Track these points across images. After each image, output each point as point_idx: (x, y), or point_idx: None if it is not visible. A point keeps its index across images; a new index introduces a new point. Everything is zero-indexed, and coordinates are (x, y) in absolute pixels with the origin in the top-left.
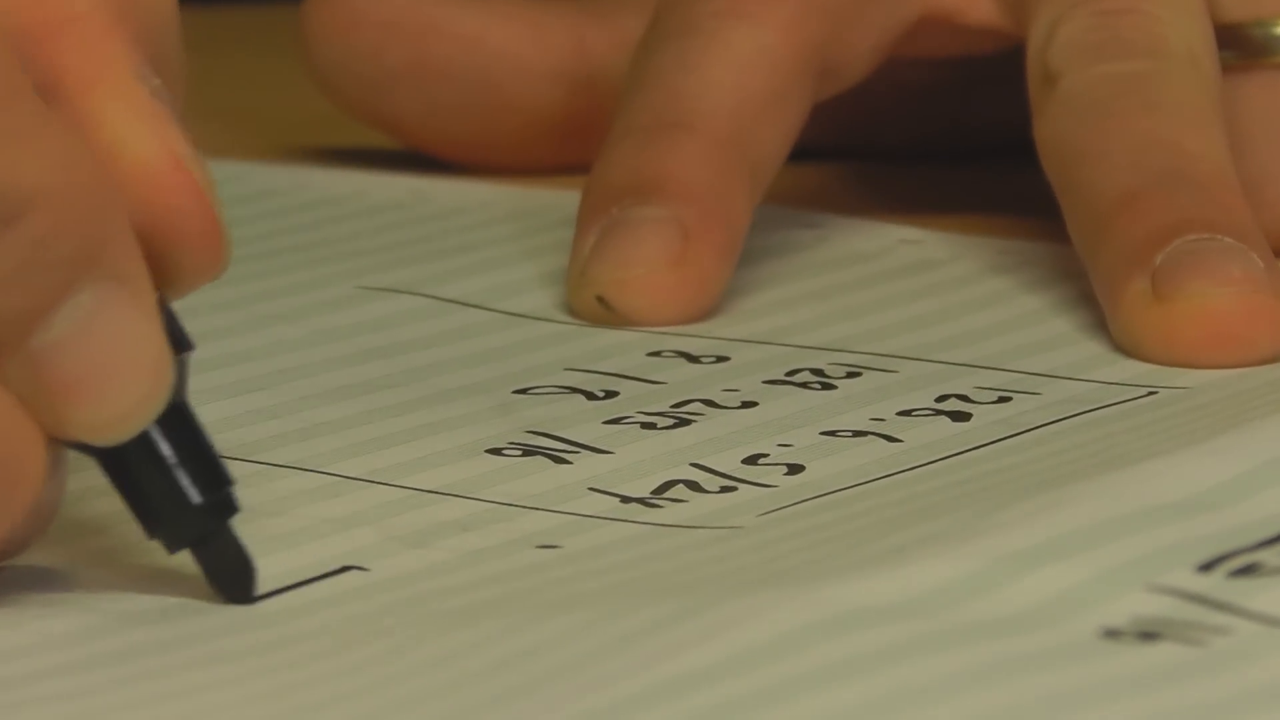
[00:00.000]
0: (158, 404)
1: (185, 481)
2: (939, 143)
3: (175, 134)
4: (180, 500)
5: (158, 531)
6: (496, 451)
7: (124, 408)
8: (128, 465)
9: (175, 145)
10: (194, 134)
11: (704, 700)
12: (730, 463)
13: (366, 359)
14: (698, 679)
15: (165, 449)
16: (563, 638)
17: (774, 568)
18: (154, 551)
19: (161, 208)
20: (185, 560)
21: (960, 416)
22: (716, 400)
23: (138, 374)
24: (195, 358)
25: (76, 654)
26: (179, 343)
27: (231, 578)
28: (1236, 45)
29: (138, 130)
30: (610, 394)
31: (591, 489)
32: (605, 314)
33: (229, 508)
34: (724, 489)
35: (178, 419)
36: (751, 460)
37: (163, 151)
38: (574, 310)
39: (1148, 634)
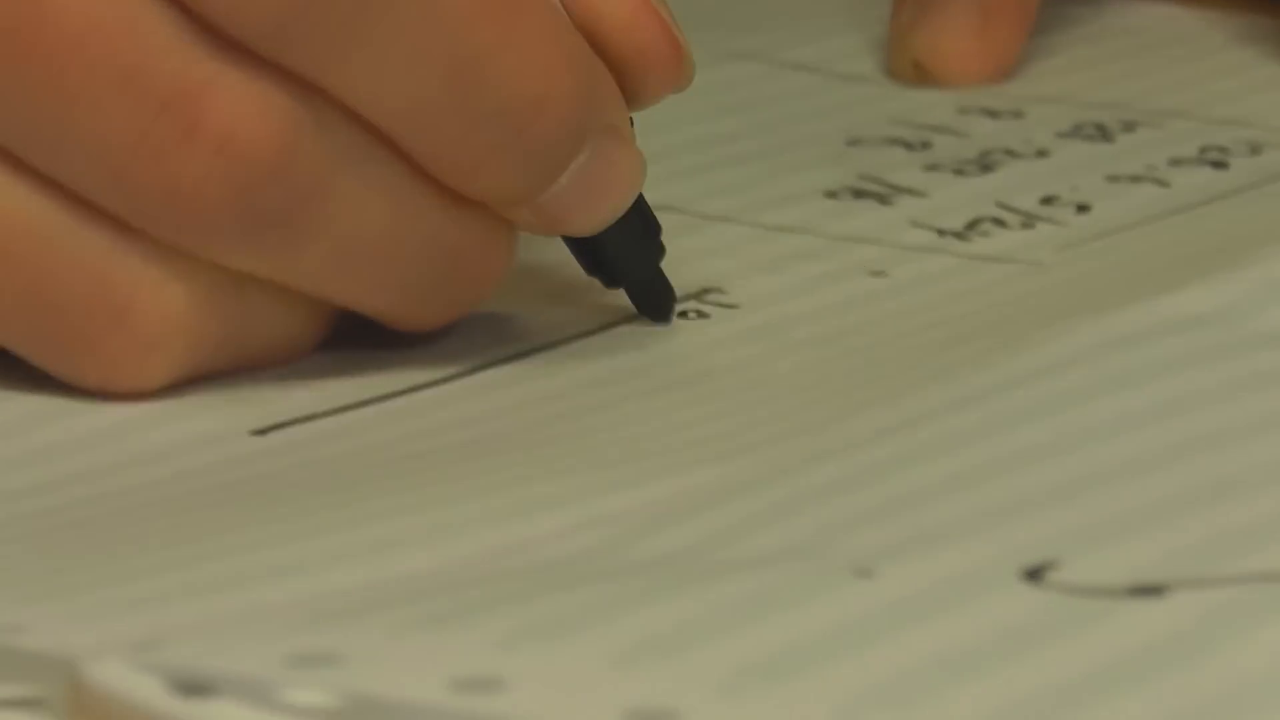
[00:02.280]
0: (628, 205)
1: (635, 232)
2: None
3: None
4: (629, 245)
5: (599, 272)
6: (832, 194)
7: (605, 219)
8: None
9: None
10: None
11: (1016, 400)
12: (1029, 202)
13: (723, 113)
14: (1009, 384)
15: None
16: (896, 367)
17: (1070, 304)
18: (593, 289)
19: (639, 50)
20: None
21: (1220, 165)
22: (1015, 149)
23: (622, 192)
24: None
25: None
26: None
27: (658, 305)
28: None
29: None
30: (926, 145)
31: (914, 224)
32: (920, 76)
33: (661, 251)
34: (1024, 225)
35: None
36: (1047, 201)
37: (632, 3)
38: (894, 73)
39: None
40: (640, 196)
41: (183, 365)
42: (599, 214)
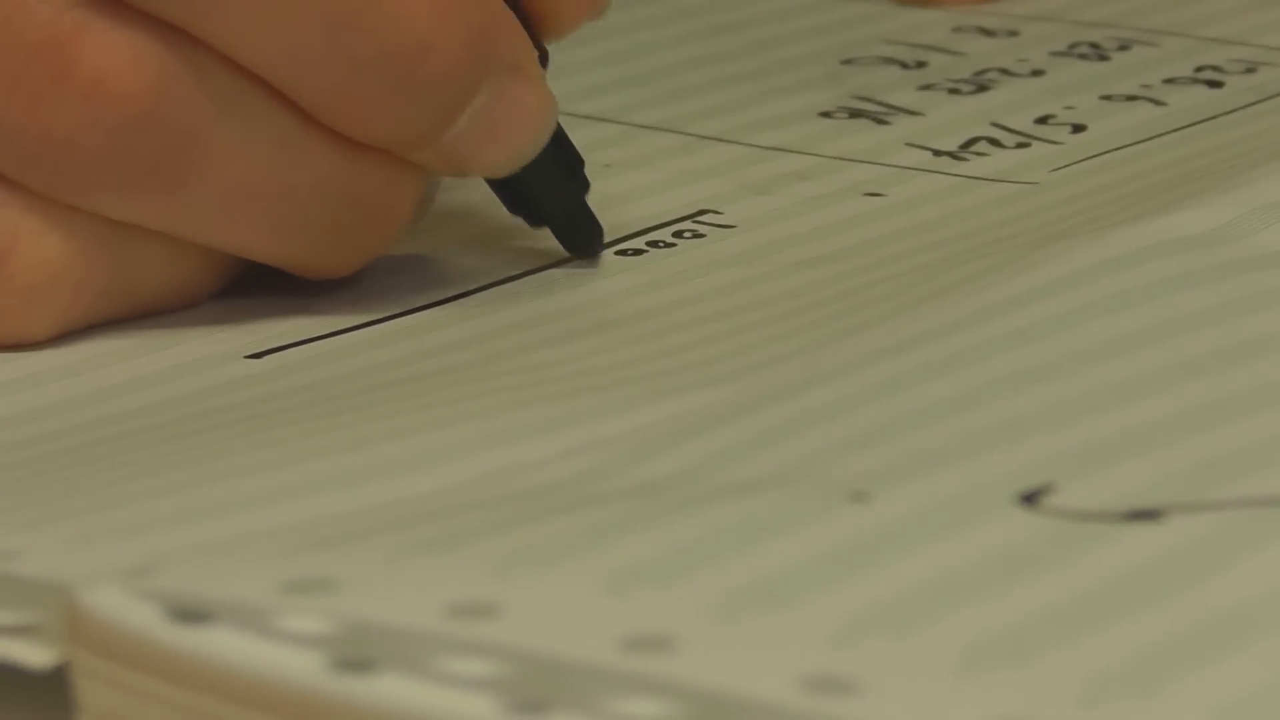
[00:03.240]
0: (541, 144)
1: (554, 168)
2: None
3: None
4: (548, 183)
5: (521, 210)
6: (827, 114)
7: (514, 159)
8: None
9: None
10: None
11: (1012, 322)
12: (1024, 122)
13: (716, 33)
14: (1004, 306)
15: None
16: (892, 288)
17: (1066, 225)
18: (516, 230)
19: None
20: (543, 234)
21: (1215, 84)
22: (1010, 69)
23: (530, 132)
24: (571, 37)
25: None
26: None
27: (584, 242)
28: None
29: None
30: (921, 64)
31: (909, 144)
32: None
33: (584, 186)
34: (1019, 145)
35: None
36: (1042, 120)
37: None
38: None
39: None
40: (560, 131)
41: (68, 315)
42: (506, 154)
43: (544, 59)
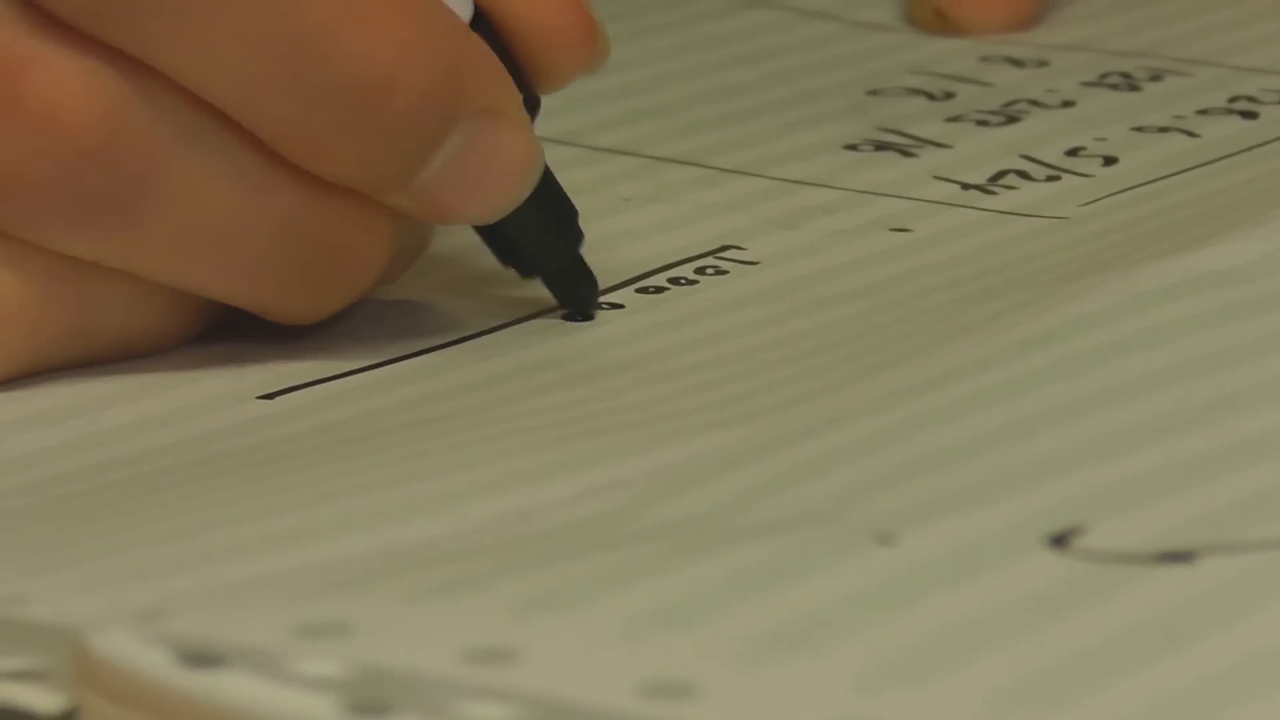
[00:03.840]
0: (525, 194)
1: (543, 220)
2: None
3: None
4: (538, 236)
5: (511, 261)
6: (852, 147)
7: (496, 208)
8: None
9: None
10: None
11: (1041, 359)
12: (1054, 154)
13: (738, 64)
14: (1034, 343)
15: (529, 203)
16: (919, 325)
17: (1097, 260)
18: (506, 279)
19: (545, 27)
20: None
21: (1249, 115)
22: (1040, 99)
23: (511, 180)
24: None
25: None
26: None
27: (578, 296)
28: None
29: None
30: (948, 95)
31: (936, 177)
32: (942, 24)
33: (578, 238)
34: (1049, 178)
35: None
36: (1072, 152)
37: None
38: (915, 21)
39: None
40: (552, 182)
41: (21, 356)
42: (487, 203)
43: (534, 107)
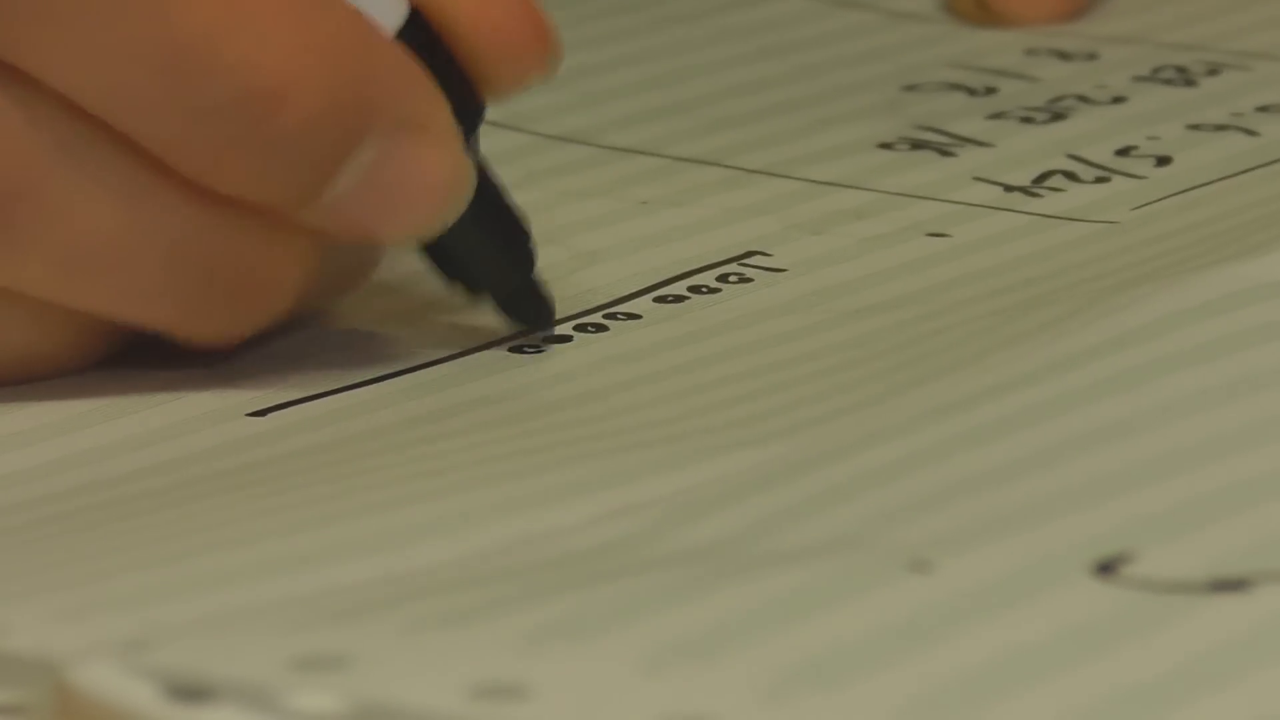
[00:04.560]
0: (452, 213)
1: (491, 241)
2: None
3: None
4: (485, 258)
5: (457, 282)
6: (886, 146)
7: (418, 227)
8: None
9: None
10: None
11: (1088, 375)
12: (1103, 154)
13: (765, 56)
14: (1080, 357)
15: (470, 222)
16: (964, 335)
17: (1148, 268)
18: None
19: (491, 31)
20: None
21: None
22: (1088, 95)
23: (434, 197)
24: (598, 58)
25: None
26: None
27: (530, 317)
28: None
29: None
30: (990, 90)
31: (976, 179)
32: (984, 14)
33: (531, 256)
34: (1098, 179)
35: (478, 185)
36: (1123, 152)
37: None
38: (955, 10)
39: None
40: (500, 198)
41: None
42: (404, 222)
43: (477, 115)
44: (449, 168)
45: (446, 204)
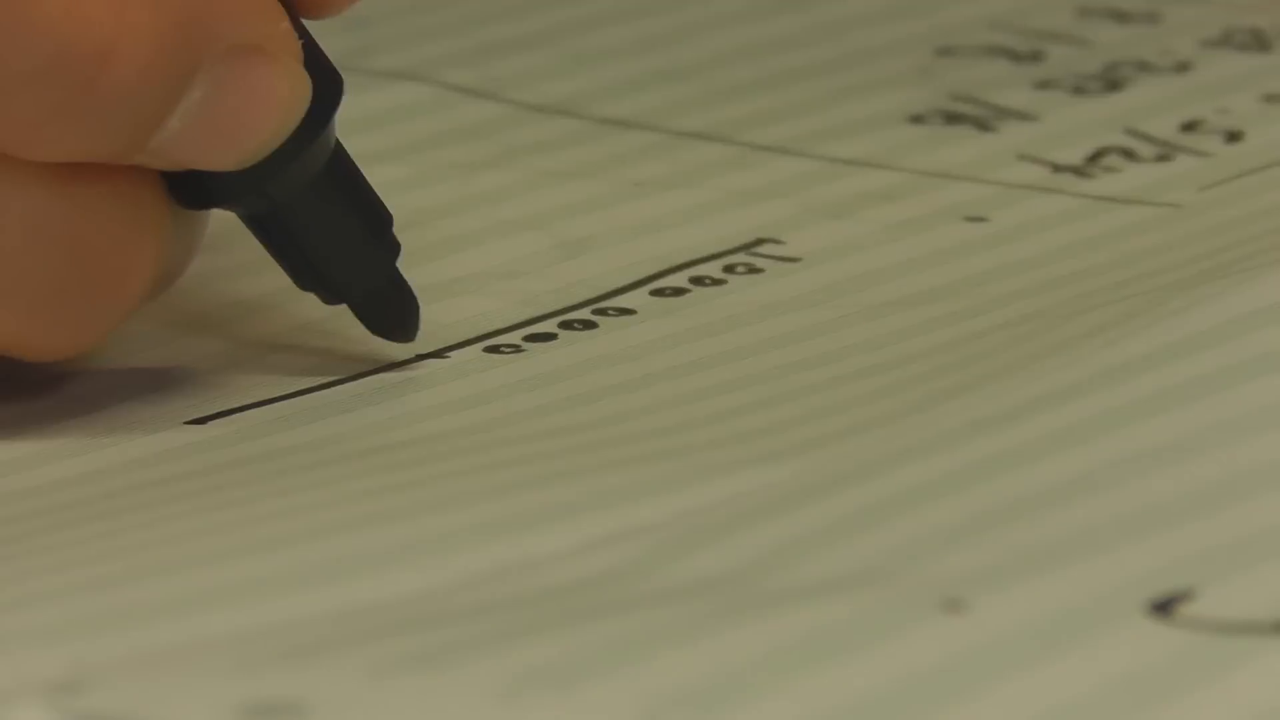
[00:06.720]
0: (283, 135)
1: (346, 231)
2: None
3: None
4: (344, 251)
5: (312, 284)
6: (918, 119)
7: (251, 152)
8: (285, 229)
9: None
10: None
11: (1145, 386)
12: (1166, 129)
13: (776, 12)
14: (1136, 366)
15: (325, 208)
16: (1004, 338)
17: (1216, 260)
18: (307, 311)
19: None
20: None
21: None
22: (1150, 61)
23: (271, 119)
24: (586, 12)
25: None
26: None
27: (393, 321)
28: None
29: None
30: (1036, 56)
31: (1020, 157)
32: None
33: (394, 250)
34: (1159, 158)
35: (333, 167)
36: (1188, 127)
37: None
38: None
39: None
40: (360, 182)
41: None
42: (236, 149)
43: (335, 94)
44: (286, 84)
45: (279, 126)
